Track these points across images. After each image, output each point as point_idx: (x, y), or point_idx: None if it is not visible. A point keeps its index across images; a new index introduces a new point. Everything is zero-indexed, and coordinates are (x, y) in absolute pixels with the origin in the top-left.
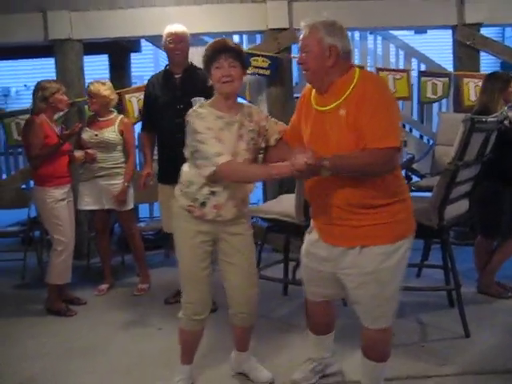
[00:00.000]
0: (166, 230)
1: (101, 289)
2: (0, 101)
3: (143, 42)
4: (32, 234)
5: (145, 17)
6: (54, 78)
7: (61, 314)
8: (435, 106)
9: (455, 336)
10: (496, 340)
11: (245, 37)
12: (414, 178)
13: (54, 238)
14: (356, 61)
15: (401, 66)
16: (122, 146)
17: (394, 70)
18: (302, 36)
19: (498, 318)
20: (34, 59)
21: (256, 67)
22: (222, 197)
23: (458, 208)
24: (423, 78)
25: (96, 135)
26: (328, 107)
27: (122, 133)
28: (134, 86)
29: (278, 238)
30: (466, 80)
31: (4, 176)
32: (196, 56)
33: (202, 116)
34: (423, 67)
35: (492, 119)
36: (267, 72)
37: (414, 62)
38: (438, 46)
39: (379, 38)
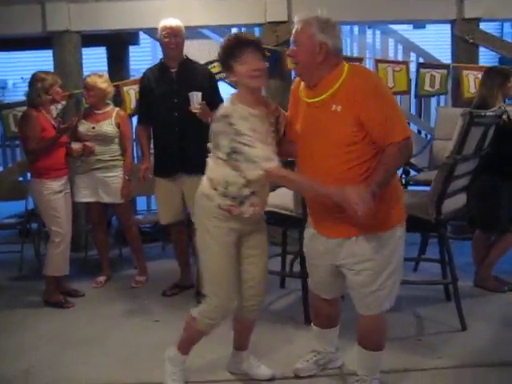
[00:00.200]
0: (163, 223)
1: (98, 281)
2: None
3: (141, 35)
4: (29, 226)
5: (144, 9)
6: (51, 70)
7: (58, 305)
8: (433, 100)
9: (452, 329)
10: (492, 333)
11: (243, 30)
12: (412, 172)
13: (52, 230)
14: (355, 54)
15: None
16: (118, 139)
17: (392, 62)
18: (294, 30)
19: (494, 311)
20: (32, 51)
21: None
22: (260, 195)
23: (455, 202)
24: (422, 70)
25: (93, 128)
26: (316, 99)
27: (118, 126)
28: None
29: (276, 230)
30: (465, 72)
31: (1, 168)
32: (191, 49)
33: (244, 116)
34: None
35: (491, 113)
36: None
37: (413, 56)
38: (437, 41)
39: (378, 32)
